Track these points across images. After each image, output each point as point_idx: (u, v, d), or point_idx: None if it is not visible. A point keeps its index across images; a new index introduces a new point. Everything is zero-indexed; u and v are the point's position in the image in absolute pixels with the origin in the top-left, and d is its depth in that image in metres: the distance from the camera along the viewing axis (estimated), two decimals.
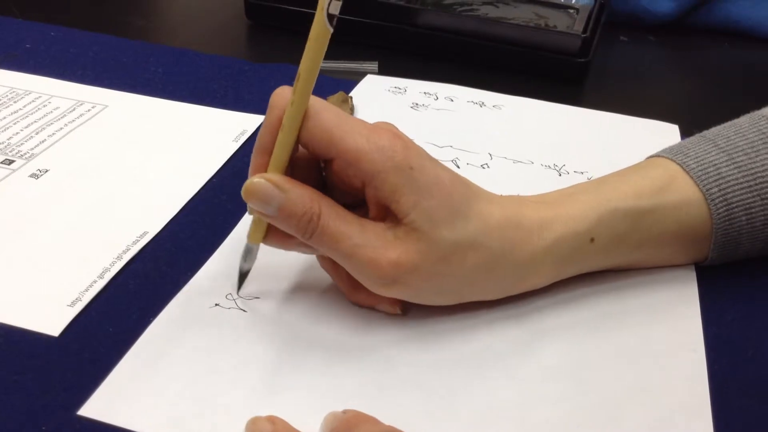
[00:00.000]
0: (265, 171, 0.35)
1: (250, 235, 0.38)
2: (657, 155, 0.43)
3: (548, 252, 0.38)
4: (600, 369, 0.37)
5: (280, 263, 0.41)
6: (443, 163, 0.37)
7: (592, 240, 0.38)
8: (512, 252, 0.37)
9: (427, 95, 0.61)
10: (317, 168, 0.37)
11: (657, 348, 0.38)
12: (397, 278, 0.35)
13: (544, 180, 0.51)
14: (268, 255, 0.39)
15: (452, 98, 0.60)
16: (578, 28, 0.67)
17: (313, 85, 0.34)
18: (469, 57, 0.67)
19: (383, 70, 0.64)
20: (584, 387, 0.36)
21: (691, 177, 0.40)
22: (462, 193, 0.36)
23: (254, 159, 0.36)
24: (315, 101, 0.34)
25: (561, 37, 0.65)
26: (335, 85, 0.60)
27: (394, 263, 0.35)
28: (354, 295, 0.39)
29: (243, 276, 0.39)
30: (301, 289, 0.40)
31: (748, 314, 0.41)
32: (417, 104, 0.59)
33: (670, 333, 0.39)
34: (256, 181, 0.35)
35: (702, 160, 0.41)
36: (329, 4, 0.32)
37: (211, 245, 0.43)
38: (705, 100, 0.66)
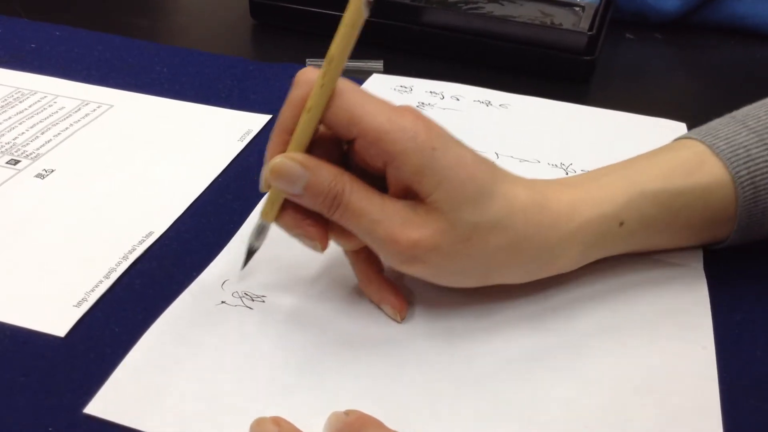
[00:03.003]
0: (286, 149, 0.35)
1: (264, 213, 0.37)
2: (685, 136, 0.42)
3: (575, 235, 0.37)
4: (608, 368, 0.36)
5: (288, 261, 0.41)
6: None
7: (621, 224, 0.38)
8: (537, 234, 0.36)
9: (433, 94, 0.60)
10: (338, 146, 0.37)
11: (666, 347, 0.38)
12: (416, 256, 0.35)
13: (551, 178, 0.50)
14: (276, 252, 0.39)
15: (458, 97, 0.60)
16: (584, 25, 0.66)
17: (342, 69, 0.34)
18: (474, 55, 0.67)
19: (388, 69, 0.64)
20: (592, 387, 0.35)
21: (720, 159, 0.39)
22: (486, 174, 0.36)
23: (275, 137, 0.36)
24: (340, 81, 0.34)
25: (567, 35, 0.65)
26: None
27: (414, 241, 0.34)
28: (366, 286, 0.39)
29: (251, 253, 0.40)
30: (308, 289, 0.40)
31: (757, 314, 0.40)
32: (423, 103, 0.59)
33: (679, 332, 0.38)
34: (281, 161, 0.35)
35: (732, 141, 0.40)
36: None
37: (217, 245, 0.43)
38: (711, 97, 0.66)
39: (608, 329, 0.39)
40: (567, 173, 0.51)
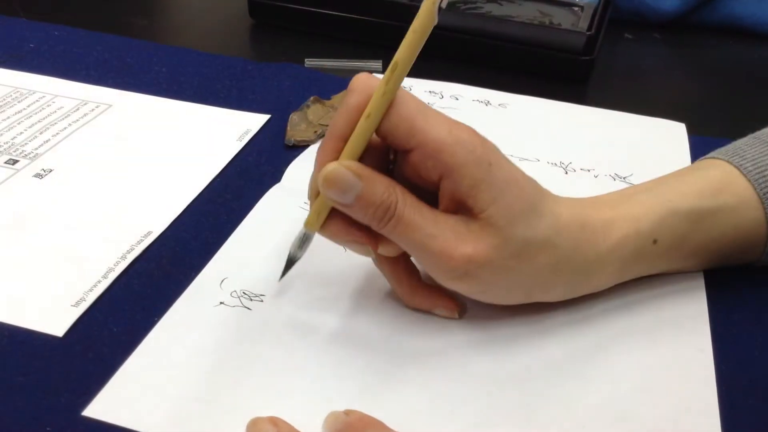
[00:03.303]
0: (338, 157, 0.34)
1: (308, 222, 0.36)
2: (711, 157, 0.43)
3: (612, 252, 0.37)
4: (606, 369, 0.36)
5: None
6: None
7: (654, 242, 0.38)
8: (577, 252, 0.37)
9: (432, 94, 0.60)
10: (386, 157, 0.37)
11: (665, 347, 0.38)
12: (469, 271, 0.35)
13: (551, 178, 0.50)
14: (275, 252, 0.39)
15: (457, 97, 0.60)
16: (583, 25, 0.66)
17: (405, 76, 0.33)
18: (473, 55, 0.67)
19: None
20: (591, 387, 0.35)
21: (748, 179, 0.40)
22: (534, 192, 0.36)
23: (328, 144, 0.35)
24: (398, 90, 0.34)
25: (566, 35, 0.65)
26: (340, 84, 0.59)
27: (468, 256, 0.34)
28: (411, 299, 0.39)
29: (291, 263, 0.39)
30: (306, 289, 0.40)
31: (755, 314, 0.40)
32: None
33: (677, 332, 0.38)
34: (335, 169, 0.34)
35: (758, 162, 0.40)
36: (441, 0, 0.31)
37: (215, 245, 0.43)
38: (710, 97, 0.66)
39: (606, 329, 0.39)
40: (566, 172, 0.51)
